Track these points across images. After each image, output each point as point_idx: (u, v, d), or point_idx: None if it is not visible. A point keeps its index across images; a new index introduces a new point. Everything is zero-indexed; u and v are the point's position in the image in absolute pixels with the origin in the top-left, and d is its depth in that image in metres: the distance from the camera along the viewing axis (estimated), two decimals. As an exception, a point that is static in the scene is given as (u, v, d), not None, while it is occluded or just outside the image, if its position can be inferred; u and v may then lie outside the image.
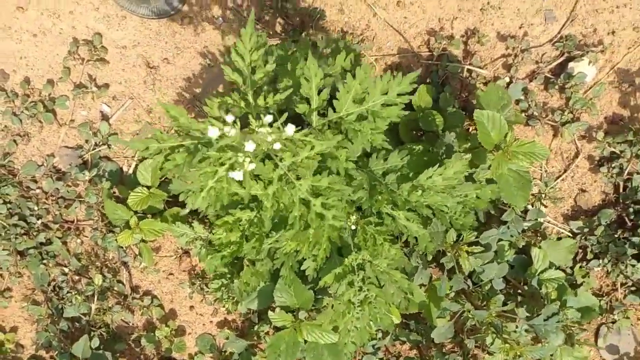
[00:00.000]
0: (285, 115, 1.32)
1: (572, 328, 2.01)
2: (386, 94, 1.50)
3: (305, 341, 1.97)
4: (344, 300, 1.73)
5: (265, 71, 1.44)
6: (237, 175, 1.32)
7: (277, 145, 1.31)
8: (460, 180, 1.67)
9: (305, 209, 1.35)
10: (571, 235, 2.48)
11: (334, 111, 1.49)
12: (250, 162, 1.31)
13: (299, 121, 1.58)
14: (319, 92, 1.48)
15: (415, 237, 1.78)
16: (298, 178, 1.40)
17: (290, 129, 1.32)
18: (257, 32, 1.94)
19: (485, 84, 2.46)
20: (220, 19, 2.50)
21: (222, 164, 1.31)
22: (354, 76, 1.48)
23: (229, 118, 1.33)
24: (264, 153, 1.41)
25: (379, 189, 1.65)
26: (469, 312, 1.96)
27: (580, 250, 2.50)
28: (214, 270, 1.55)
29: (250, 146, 1.29)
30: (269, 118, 1.32)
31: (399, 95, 1.50)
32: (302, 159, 1.34)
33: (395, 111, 1.50)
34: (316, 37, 2.30)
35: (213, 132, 1.32)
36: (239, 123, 1.33)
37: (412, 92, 1.54)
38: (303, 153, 1.34)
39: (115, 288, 2.65)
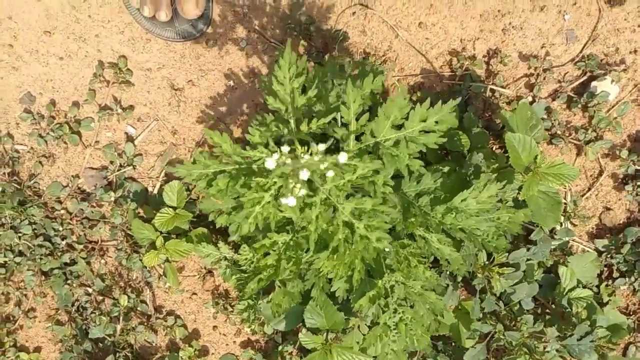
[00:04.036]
0: (331, 141, 1.33)
1: (604, 348, 2.00)
2: (424, 120, 1.52)
3: (335, 363, 1.97)
4: (381, 323, 1.73)
5: (307, 98, 1.46)
6: (291, 201, 1.33)
7: (331, 173, 1.33)
8: (494, 204, 1.68)
9: (349, 232, 1.37)
10: (597, 254, 2.48)
11: (372, 136, 1.51)
12: (301, 188, 1.33)
13: (333, 145, 1.60)
14: (357, 117, 1.49)
15: (447, 260, 1.78)
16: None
17: (342, 157, 1.33)
18: (297, 56, 1.97)
19: (509, 103, 2.47)
20: (244, 41, 2.53)
21: (267, 190, 1.33)
22: (386, 102, 1.50)
23: (285, 149, 1.34)
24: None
25: (413, 211, 1.66)
26: (501, 333, 1.95)
27: (606, 269, 2.49)
28: (250, 294, 1.55)
29: (304, 174, 1.30)
30: (322, 146, 1.33)
31: (437, 122, 1.51)
32: (345, 182, 1.36)
33: (432, 138, 1.51)
34: (343, 59, 2.33)
35: (271, 164, 1.33)
36: (288, 152, 1.35)
37: (452, 124, 1.55)
38: (347, 176, 1.35)
39: (139, 308, 2.66)
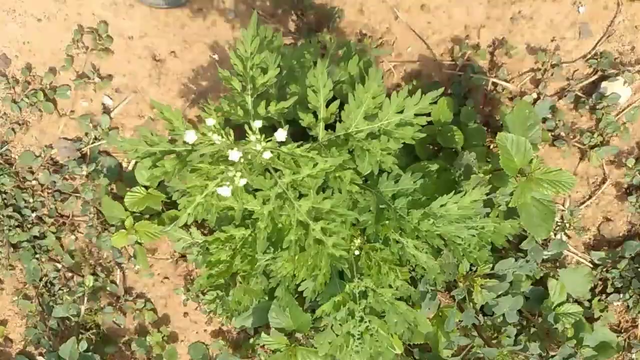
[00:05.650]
0: (287, 127, 1.17)
1: (588, 370, 1.86)
2: (402, 111, 1.35)
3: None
4: (343, 332, 1.59)
5: (268, 77, 1.30)
6: (225, 191, 1.18)
7: (267, 155, 1.17)
8: (477, 211, 1.52)
9: (303, 233, 1.22)
10: (592, 266, 2.32)
11: (342, 124, 1.35)
12: (242, 177, 1.18)
13: (306, 134, 1.44)
14: (328, 103, 1.33)
15: (424, 267, 1.63)
16: (300, 196, 1.26)
17: (280, 134, 1.17)
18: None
19: (511, 98, 2.29)
20: (232, 12, 2.37)
21: (213, 178, 1.18)
22: (364, 85, 1.33)
23: (210, 122, 1.19)
24: (263, 167, 1.27)
25: (387, 214, 1.51)
26: (479, 347, 1.82)
27: (600, 283, 2.34)
28: (198, 289, 1.43)
29: (234, 155, 1.15)
30: (258, 123, 1.17)
31: (416, 115, 1.34)
32: (304, 176, 1.21)
33: (410, 132, 1.35)
34: (325, 38, 2.15)
35: (190, 137, 1.19)
36: (232, 132, 1.19)
37: (429, 114, 1.38)
38: (305, 170, 1.20)
39: (108, 288, 2.54)
